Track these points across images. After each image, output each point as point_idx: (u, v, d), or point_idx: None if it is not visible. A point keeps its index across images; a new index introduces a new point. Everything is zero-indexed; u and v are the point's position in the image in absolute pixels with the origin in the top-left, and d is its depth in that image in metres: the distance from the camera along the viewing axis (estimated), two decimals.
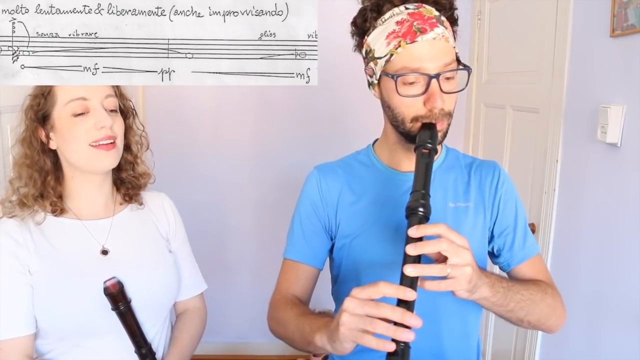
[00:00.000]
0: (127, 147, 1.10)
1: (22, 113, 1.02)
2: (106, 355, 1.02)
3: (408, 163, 1.01)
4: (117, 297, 0.98)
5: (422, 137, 0.89)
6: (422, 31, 0.88)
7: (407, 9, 0.91)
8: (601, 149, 1.41)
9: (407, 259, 0.76)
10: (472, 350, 1.07)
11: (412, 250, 0.76)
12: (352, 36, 0.99)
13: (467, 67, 0.94)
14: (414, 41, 0.88)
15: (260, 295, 2.15)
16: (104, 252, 1.04)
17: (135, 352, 1.02)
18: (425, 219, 0.80)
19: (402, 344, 0.71)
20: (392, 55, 0.90)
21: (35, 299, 0.97)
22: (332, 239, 1.07)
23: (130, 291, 1.01)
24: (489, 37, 2.21)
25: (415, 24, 0.89)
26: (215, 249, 2.57)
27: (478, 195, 1.04)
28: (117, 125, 1.02)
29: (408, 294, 0.73)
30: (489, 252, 1.07)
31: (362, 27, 0.96)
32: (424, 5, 0.92)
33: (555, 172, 1.64)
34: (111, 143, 1.00)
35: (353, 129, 2.47)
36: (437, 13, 0.92)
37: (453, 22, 0.97)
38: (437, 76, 0.89)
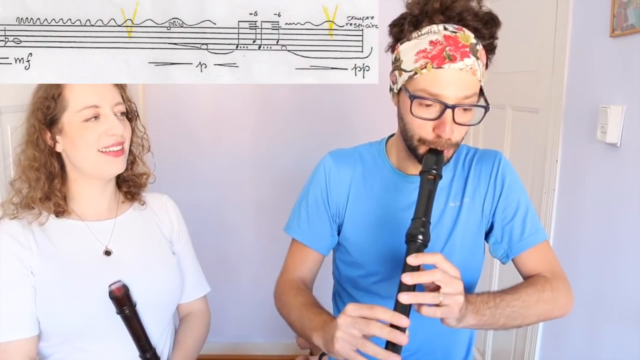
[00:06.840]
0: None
1: (28, 114, 1.01)
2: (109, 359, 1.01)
3: (414, 168, 1.03)
4: (122, 300, 0.97)
5: (427, 163, 0.91)
6: (452, 59, 0.87)
7: (445, 29, 0.90)
8: (601, 149, 1.41)
9: (403, 287, 0.80)
10: (462, 345, 1.12)
11: (408, 279, 0.80)
12: (389, 35, 0.98)
13: (485, 106, 0.93)
14: (441, 67, 0.88)
15: (261, 294, 2.16)
16: (107, 253, 1.04)
17: (140, 356, 1.02)
18: (423, 247, 0.84)
19: None
20: (416, 73, 0.90)
21: (38, 300, 0.96)
22: (338, 228, 1.10)
23: (134, 292, 1.00)
24: None
25: (447, 49, 0.88)
26: (215, 249, 2.56)
27: (475, 190, 1.06)
28: (126, 131, 1.03)
29: (402, 321, 0.78)
30: (489, 243, 1.08)
31: (397, 35, 0.96)
32: (463, 29, 0.91)
33: (555, 172, 1.65)
34: (120, 149, 1.01)
35: (361, 125, 2.46)
36: (474, 41, 0.90)
37: (490, 50, 0.95)
38: (453, 107, 0.89)
